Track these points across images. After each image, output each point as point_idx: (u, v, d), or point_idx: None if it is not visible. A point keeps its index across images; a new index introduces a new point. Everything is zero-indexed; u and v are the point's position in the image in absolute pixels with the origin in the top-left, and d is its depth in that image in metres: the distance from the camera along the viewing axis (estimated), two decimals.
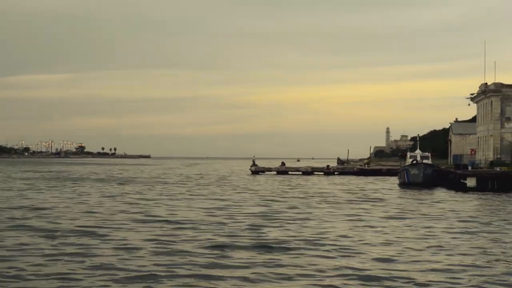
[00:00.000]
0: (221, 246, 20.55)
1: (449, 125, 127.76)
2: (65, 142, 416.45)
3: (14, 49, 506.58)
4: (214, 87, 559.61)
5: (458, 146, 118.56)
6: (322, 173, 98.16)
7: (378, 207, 37.68)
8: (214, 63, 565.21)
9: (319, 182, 73.30)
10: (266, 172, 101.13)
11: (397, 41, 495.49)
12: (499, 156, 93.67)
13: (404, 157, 72.59)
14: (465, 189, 58.34)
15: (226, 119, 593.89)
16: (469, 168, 69.47)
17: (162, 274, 15.95)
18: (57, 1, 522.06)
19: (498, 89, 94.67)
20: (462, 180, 60.58)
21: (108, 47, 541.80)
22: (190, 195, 48.16)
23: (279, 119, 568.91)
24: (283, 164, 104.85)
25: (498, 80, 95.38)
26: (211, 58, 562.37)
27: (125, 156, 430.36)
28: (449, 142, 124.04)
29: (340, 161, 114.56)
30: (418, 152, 70.44)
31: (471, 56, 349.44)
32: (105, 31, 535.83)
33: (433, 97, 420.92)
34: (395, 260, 18.28)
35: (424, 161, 68.64)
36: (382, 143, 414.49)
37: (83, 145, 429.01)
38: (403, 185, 66.23)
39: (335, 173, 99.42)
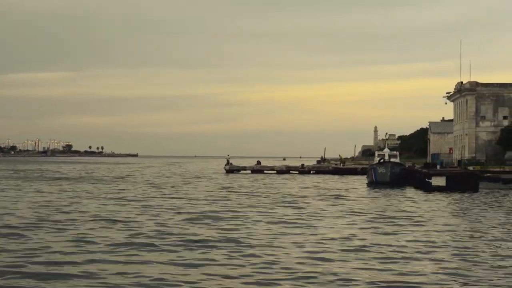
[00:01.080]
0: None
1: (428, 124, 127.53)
2: (52, 141, 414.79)
3: (10, 47, 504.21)
4: (210, 86, 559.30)
5: (436, 145, 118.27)
6: (297, 172, 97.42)
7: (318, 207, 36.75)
8: (211, 62, 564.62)
9: (287, 181, 72.60)
10: (242, 171, 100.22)
11: (387, 40, 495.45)
12: (473, 155, 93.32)
13: (373, 155, 71.69)
14: (429, 189, 57.60)
15: (220, 118, 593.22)
16: (438, 167, 68.84)
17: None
18: (57, 0, 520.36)
19: (473, 88, 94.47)
20: (427, 180, 59.85)
21: (104, 46, 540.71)
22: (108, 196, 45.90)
23: (271, 118, 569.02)
24: (258, 163, 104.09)
25: (479, 80, 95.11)
26: (209, 57, 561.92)
27: (112, 155, 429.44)
28: (427, 141, 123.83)
29: (322, 160, 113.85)
30: (386, 150, 69.73)
31: (460, 55, 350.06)
32: (102, 30, 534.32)
33: (422, 95, 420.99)
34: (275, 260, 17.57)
35: (392, 159, 67.96)
36: (370, 142, 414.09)
37: (70, 143, 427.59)
38: (371, 184, 65.47)
39: (312, 172, 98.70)
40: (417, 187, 60.01)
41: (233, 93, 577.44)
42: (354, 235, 23.47)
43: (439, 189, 59.11)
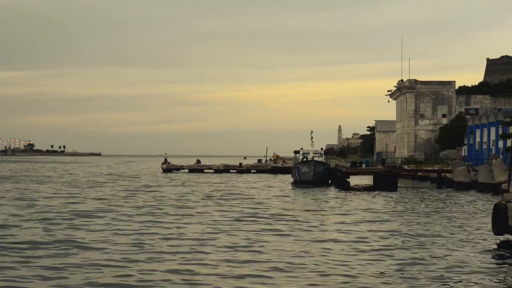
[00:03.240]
0: None
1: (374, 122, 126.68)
2: (13, 140, 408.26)
3: None
4: (175, 85, 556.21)
5: (382, 143, 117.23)
6: (235, 171, 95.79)
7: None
8: (176, 61, 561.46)
9: (211, 180, 70.98)
10: (181, 170, 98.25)
11: (350, 40, 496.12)
12: (412, 153, 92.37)
13: (298, 153, 70.02)
14: (348, 188, 56.28)
15: (183, 117, 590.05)
16: (363, 166, 67.42)
17: None
18: None
19: (413, 85, 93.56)
20: (346, 179, 58.58)
21: (68, 45, 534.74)
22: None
23: (237, 117, 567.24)
24: (198, 161, 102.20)
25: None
26: (173, 56, 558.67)
27: (74, 154, 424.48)
28: (374, 139, 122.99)
29: (276, 158, 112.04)
30: (310, 148, 68.08)
31: (425, 55, 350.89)
32: (66, 29, 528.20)
33: (385, 94, 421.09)
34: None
35: (316, 158, 66.45)
36: (335, 141, 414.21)
37: (32, 142, 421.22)
38: (295, 183, 63.89)
39: (252, 171, 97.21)
40: (338, 186, 58.76)
41: (198, 92, 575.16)
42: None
43: (360, 188, 58.03)
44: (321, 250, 19.92)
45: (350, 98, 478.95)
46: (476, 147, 76.66)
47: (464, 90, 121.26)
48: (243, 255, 18.61)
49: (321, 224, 27.02)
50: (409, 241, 22.15)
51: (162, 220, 27.92)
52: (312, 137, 68.42)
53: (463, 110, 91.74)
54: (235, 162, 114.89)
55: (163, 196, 44.37)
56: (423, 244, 21.56)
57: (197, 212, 31.89)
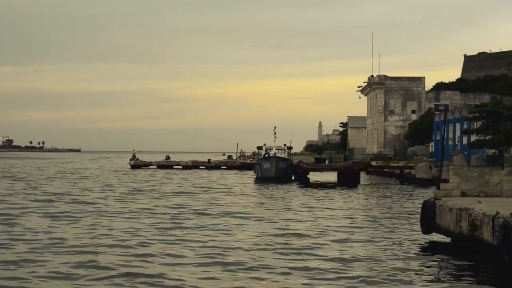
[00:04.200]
0: None
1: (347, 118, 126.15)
2: None
3: None
4: (155, 81, 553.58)
5: (354, 139, 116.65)
6: (204, 167, 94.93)
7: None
8: (155, 57, 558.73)
9: (173, 176, 70.02)
10: (150, 166, 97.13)
11: (333, 36, 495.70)
12: (382, 149, 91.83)
13: (261, 149, 69.09)
14: (307, 184, 55.63)
15: (163, 113, 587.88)
16: (327, 162, 66.69)
17: None
18: None
19: (382, 81, 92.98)
20: (307, 176, 57.98)
21: (47, 41, 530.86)
22: None
23: (217, 114, 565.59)
24: (167, 158, 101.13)
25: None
26: (152, 52, 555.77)
27: (54, 150, 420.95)
28: (346, 136, 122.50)
29: (242, 154, 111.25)
30: (274, 144, 67.26)
31: (404, 52, 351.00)
32: (46, 26, 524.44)
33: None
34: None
35: (279, 154, 65.65)
36: (316, 137, 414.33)
37: (10, 138, 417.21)
38: (258, 179, 63.10)
39: (222, 167, 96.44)
40: (300, 182, 58.13)
41: (179, 88, 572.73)
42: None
43: (321, 185, 57.38)
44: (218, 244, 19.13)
45: (331, 94, 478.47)
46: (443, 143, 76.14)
47: (442, 86, 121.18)
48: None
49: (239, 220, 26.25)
50: (335, 239, 21.46)
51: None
52: (275, 133, 67.71)
53: (432, 106, 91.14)
54: (215, 158, 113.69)
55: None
56: (345, 241, 20.93)
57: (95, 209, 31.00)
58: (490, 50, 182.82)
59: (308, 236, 22.35)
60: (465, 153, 60.47)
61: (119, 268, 16.06)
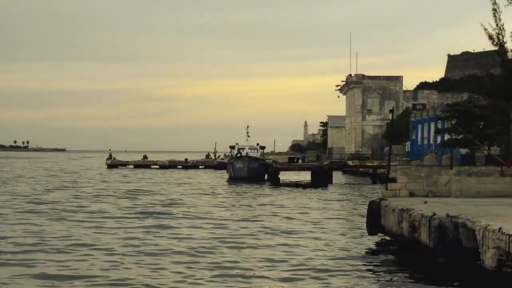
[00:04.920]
0: None
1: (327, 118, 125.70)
2: None
3: None
4: (137, 80, 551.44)
5: (334, 139, 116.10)
6: (181, 166, 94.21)
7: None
8: (135, 56, 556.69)
9: (150, 175, 69.29)
10: (127, 166, 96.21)
11: (317, 35, 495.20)
12: (359, 149, 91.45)
13: (233, 148, 68.37)
14: (278, 184, 55.15)
15: (147, 112, 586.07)
16: (300, 161, 66.16)
17: None
18: None
19: (360, 80, 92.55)
20: (278, 175, 57.53)
21: (29, 40, 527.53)
22: None
23: (199, 113, 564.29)
24: (145, 157, 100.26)
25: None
26: (134, 51, 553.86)
27: (38, 150, 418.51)
28: (326, 135, 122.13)
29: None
30: (246, 144, 66.62)
31: (389, 51, 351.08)
32: (28, 24, 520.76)
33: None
34: None
35: (251, 154, 65.04)
36: (301, 136, 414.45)
37: None
38: (230, 179, 62.48)
39: (200, 167, 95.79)
40: (272, 182, 57.68)
41: (163, 87, 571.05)
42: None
43: (292, 184, 56.92)
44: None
45: (317, 93, 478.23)
46: (419, 143, 75.88)
47: (426, 86, 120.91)
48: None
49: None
50: (278, 240, 20.90)
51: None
52: (248, 132, 67.10)
53: (410, 105, 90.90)
54: (199, 157, 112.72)
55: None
56: (290, 240, 20.42)
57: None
58: (474, 50, 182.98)
59: (254, 236, 21.90)
60: (439, 152, 60.13)
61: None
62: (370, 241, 20.98)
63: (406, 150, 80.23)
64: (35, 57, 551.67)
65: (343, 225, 25.38)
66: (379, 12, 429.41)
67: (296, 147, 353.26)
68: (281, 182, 57.29)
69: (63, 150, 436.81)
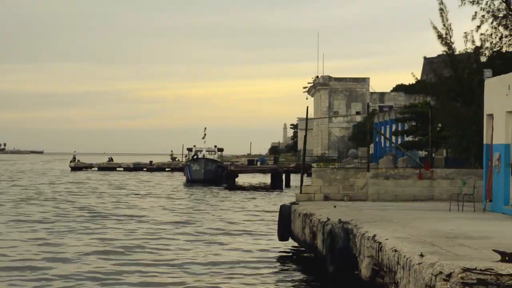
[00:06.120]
0: None
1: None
2: None
3: None
4: (122, 82, 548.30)
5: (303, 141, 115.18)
6: (146, 169, 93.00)
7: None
8: (117, 57, 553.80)
9: (107, 177, 68.10)
10: (92, 169, 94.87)
11: (298, 37, 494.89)
12: (326, 151, 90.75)
13: (190, 150, 67.26)
14: (234, 187, 54.21)
15: (129, 114, 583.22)
16: (258, 164, 65.13)
17: None
18: None
19: (326, 82, 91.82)
20: (235, 178, 56.57)
21: (11, 41, 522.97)
22: None
23: (183, 115, 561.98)
24: (110, 159, 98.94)
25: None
26: (120, 52, 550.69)
27: (16, 152, 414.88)
28: (297, 137, 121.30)
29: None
30: (204, 146, 65.54)
31: (374, 53, 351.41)
32: (8, 25, 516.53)
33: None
34: None
35: (209, 156, 63.99)
36: (281, 139, 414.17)
37: None
38: (187, 182, 61.43)
39: (167, 169, 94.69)
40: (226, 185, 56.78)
41: (146, 89, 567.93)
42: None
43: (249, 187, 56.06)
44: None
45: (297, 95, 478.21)
46: (382, 145, 75.42)
47: (402, 88, 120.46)
48: None
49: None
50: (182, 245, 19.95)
51: None
52: (205, 134, 66.02)
53: (377, 107, 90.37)
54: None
55: None
56: (196, 244, 19.54)
57: None
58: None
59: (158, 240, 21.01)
60: (397, 155, 59.50)
61: None
62: (279, 248, 20.04)
63: (371, 152, 79.67)
64: (14, 59, 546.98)
65: (261, 229, 24.49)
66: (365, 12, 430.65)
67: (273, 149, 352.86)
68: (238, 184, 56.39)
69: (41, 152, 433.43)
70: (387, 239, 11.86)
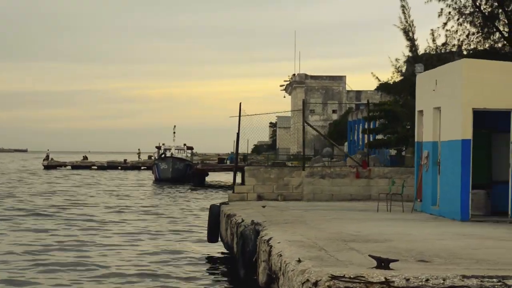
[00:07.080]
0: None
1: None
2: None
3: None
4: (102, 81, 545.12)
5: (282, 139, 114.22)
6: (120, 167, 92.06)
7: None
8: (102, 56, 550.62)
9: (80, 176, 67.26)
10: (66, 167, 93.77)
11: (284, 36, 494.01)
12: (301, 150, 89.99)
13: (159, 149, 66.32)
14: (202, 185, 53.54)
15: (114, 113, 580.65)
16: (228, 162, 64.32)
17: None
18: None
19: (303, 80, 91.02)
20: (204, 176, 55.89)
21: None
22: None
23: (170, 114, 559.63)
24: (85, 158, 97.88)
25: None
26: (106, 51, 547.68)
27: None
28: (276, 136, 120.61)
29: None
30: (173, 144, 64.67)
31: (362, 53, 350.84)
32: None
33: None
34: None
35: (177, 154, 63.15)
36: (267, 137, 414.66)
37: None
38: (156, 181, 60.59)
39: (142, 168, 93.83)
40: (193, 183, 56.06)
41: (132, 88, 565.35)
42: None
43: (218, 186, 55.36)
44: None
45: (277, 94, 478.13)
46: (355, 143, 74.72)
47: (383, 87, 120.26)
48: None
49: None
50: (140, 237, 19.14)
51: None
52: (174, 132, 65.22)
53: (353, 105, 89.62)
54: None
55: None
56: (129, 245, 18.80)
57: None
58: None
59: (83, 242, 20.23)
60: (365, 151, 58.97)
61: None
62: (207, 250, 19.24)
63: (345, 150, 79.02)
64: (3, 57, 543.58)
65: (198, 230, 23.74)
66: (345, 13, 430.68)
67: (255, 149, 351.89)
68: (207, 183, 55.68)
69: (25, 151, 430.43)
70: (279, 242, 11.08)
